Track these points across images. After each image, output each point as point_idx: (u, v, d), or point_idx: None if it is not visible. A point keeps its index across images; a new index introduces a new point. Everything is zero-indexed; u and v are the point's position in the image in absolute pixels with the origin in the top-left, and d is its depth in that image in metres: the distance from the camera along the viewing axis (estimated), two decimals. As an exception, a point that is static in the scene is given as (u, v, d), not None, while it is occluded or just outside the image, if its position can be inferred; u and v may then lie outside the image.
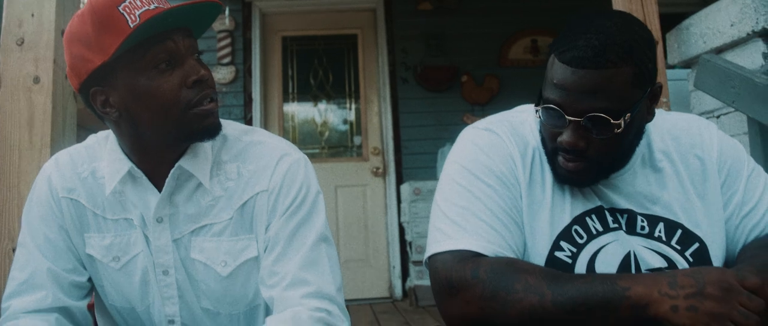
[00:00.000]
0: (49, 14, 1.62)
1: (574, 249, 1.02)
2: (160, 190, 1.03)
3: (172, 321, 1.09)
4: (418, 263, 3.97)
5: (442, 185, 1.10)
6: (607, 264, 1.01)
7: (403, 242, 4.36)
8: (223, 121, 1.08)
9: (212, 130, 1.01)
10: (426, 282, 3.94)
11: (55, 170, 1.09)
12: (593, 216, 1.04)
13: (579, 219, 1.04)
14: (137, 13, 0.92)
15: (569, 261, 1.02)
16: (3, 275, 1.52)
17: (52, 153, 1.56)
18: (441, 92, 4.65)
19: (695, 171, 1.08)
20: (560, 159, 1.01)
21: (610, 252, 1.02)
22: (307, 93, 4.70)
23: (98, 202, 1.07)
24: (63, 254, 1.07)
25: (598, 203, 1.06)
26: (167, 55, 0.95)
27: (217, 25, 4.43)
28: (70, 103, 1.69)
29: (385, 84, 4.60)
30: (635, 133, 1.01)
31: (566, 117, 0.95)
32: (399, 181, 4.45)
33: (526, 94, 4.48)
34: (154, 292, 1.07)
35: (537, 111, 1.01)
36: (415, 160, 4.51)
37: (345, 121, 4.78)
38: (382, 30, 4.64)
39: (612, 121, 0.93)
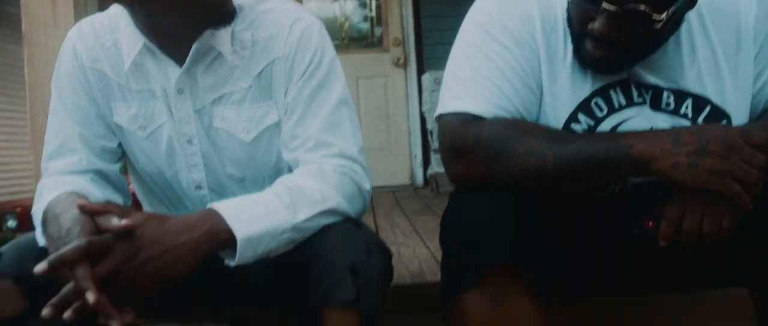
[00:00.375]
0: None
1: (592, 122, 0.98)
2: (177, 62, 1.04)
3: (199, 187, 1.12)
4: (439, 151, 4.03)
5: (456, 44, 1.06)
6: None
7: (424, 131, 4.41)
8: None
9: (227, 17, 1.01)
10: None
11: (79, 39, 1.09)
12: (617, 89, 0.99)
13: (601, 91, 0.99)
14: None
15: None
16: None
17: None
18: (463, -21, 4.52)
19: (729, 40, 1.00)
20: (588, 44, 0.94)
21: (630, 127, 0.97)
22: (327, -17, 4.62)
23: (122, 73, 1.07)
24: (93, 121, 1.09)
25: (624, 75, 0.99)
26: None
27: None
28: (90, -18, 1.70)
29: (405, -28, 4.49)
30: (676, 25, 0.95)
31: (602, 4, 0.86)
32: (420, 71, 4.44)
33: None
34: (181, 160, 1.10)
35: None
36: (436, 49, 4.46)
37: (365, 13, 4.71)
38: None
39: (654, 15, 0.85)
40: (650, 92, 0.99)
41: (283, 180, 0.97)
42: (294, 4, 1.12)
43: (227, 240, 0.85)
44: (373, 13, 4.67)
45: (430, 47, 4.47)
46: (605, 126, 0.98)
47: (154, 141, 1.09)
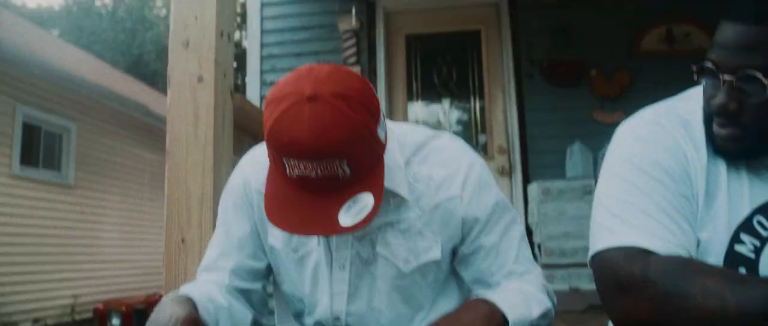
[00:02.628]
0: (211, 17, 1.71)
1: (758, 243, 0.93)
2: None
3: (337, 318, 1.12)
4: (547, 266, 3.85)
5: (603, 180, 1.04)
6: None
7: (531, 245, 4.24)
8: (409, 126, 1.15)
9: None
10: (555, 286, 3.81)
11: (250, 165, 1.17)
12: None
13: (763, 209, 0.95)
14: (296, 173, 0.90)
15: (752, 256, 0.93)
16: (173, 264, 1.63)
17: (215, 147, 1.65)
18: (568, 87, 4.48)
19: None
20: (714, 126, 0.95)
21: None
22: (430, 91, 4.71)
23: None
24: (247, 241, 1.16)
25: None
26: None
27: (342, 26, 4.54)
28: (228, 102, 1.78)
29: (510, 80, 4.51)
30: None
31: (720, 76, 0.90)
32: (526, 181, 4.34)
33: (661, 87, 4.22)
34: (323, 288, 1.11)
35: (695, 74, 0.96)
36: (542, 158, 4.37)
37: (469, 119, 4.73)
38: (505, 25, 4.54)
39: (765, 80, 0.86)
40: None
41: (507, 286, 1.09)
42: (462, 142, 1.16)
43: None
44: (477, 120, 4.68)
45: (536, 156, 4.39)
46: None
47: (302, 265, 1.12)
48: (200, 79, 1.68)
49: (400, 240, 1.07)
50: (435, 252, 1.08)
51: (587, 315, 3.46)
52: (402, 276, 1.09)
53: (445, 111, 4.74)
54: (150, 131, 9.61)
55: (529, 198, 4.15)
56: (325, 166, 0.87)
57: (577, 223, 3.77)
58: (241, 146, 2.18)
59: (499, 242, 1.11)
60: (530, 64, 4.53)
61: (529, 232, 4.22)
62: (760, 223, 0.94)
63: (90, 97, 8.11)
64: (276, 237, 1.14)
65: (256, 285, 1.18)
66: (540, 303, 1.07)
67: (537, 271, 1.15)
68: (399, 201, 1.07)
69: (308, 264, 1.12)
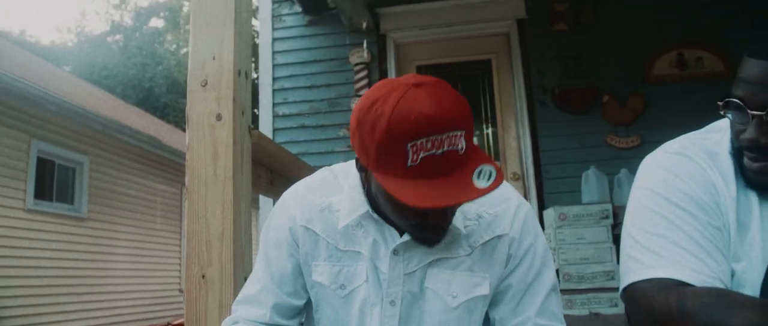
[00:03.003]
0: (228, 56, 1.72)
1: None
2: (397, 229, 1.09)
3: None
4: (566, 292, 3.80)
5: (631, 213, 1.03)
6: None
7: (547, 270, 4.20)
8: None
9: (430, 244, 1.08)
10: (575, 312, 3.76)
11: (295, 200, 1.18)
12: None
13: None
14: (421, 155, 0.90)
15: None
16: (195, 300, 1.62)
17: (234, 184, 1.65)
18: (581, 114, 4.48)
19: None
20: (745, 159, 0.94)
21: None
22: (442, 120, 4.71)
23: (332, 233, 1.14)
24: (288, 279, 1.17)
25: None
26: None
27: (354, 59, 4.58)
28: (247, 139, 1.78)
29: (523, 108, 4.51)
30: None
31: (748, 111, 0.90)
32: (541, 207, 4.31)
33: (675, 111, 4.26)
34: (372, 323, 1.11)
35: (721, 109, 0.95)
36: (558, 184, 4.35)
37: (483, 148, 4.73)
38: (516, 53, 4.56)
39: None
40: None
41: None
42: (510, 186, 1.19)
43: None
44: (491, 147, 4.68)
45: (551, 182, 4.37)
46: None
47: (350, 302, 1.13)
48: (219, 118, 1.69)
49: (448, 275, 1.09)
50: (483, 289, 1.09)
51: (608, 344, 3.41)
52: (449, 311, 1.09)
53: (458, 139, 4.74)
54: (161, 163, 9.68)
55: (546, 225, 4.11)
56: (449, 140, 0.90)
57: (595, 248, 3.73)
58: (258, 180, 2.18)
59: (528, 285, 1.11)
60: (542, 92, 4.53)
61: (546, 260, 4.19)
62: None
63: (102, 131, 8.20)
64: (321, 274, 1.14)
65: (293, 322, 1.19)
66: None
67: None
68: (450, 238, 1.09)
69: (355, 301, 1.12)
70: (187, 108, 1.73)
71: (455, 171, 0.92)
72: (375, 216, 1.09)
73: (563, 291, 3.82)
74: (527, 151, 4.43)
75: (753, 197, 0.97)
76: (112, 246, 8.51)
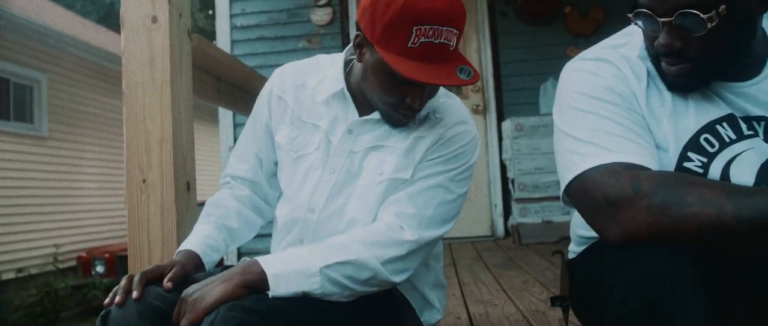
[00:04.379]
0: (162, -46, 1.65)
1: (705, 159, 0.95)
2: (359, 109, 1.24)
3: (311, 210, 1.25)
4: (520, 200, 3.91)
5: (561, 116, 1.05)
6: (744, 173, 0.93)
7: (504, 180, 4.30)
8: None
9: (398, 125, 1.22)
10: (528, 219, 3.88)
11: (278, 75, 1.37)
12: (724, 124, 0.97)
13: (708, 128, 0.97)
14: (422, 40, 1.05)
15: (700, 171, 0.95)
16: (136, 204, 1.63)
17: (172, 88, 1.63)
18: (542, 25, 4.46)
19: None
20: (663, 64, 0.97)
21: (745, 160, 0.93)
22: (403, 32, 4.65)
23: (299, 106, 1.30)
24: (264, 139, 1.36)
25: (729, 111, 0.98)
26: (406, 81, 1.09)
27: (313, -33, 4.44)
28: (185, 42, 1.74)
29: (484, 19, 4.47)
30: (743, 28, 0.93)
31: (658, 19, 0.92)
32: (500, 118, 4.36)
33: (635, 23, 4.24)
34: (309, 184, 1.26)
35: (632, 19, 0.97)
36: (517, 96, 4.39)
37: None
38: (479, -38, 4.47)
39: (702, 15, 0.88)
40: (762, 124, 0.97)
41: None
42: (466, 108, 1.32)
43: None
44: (451, 60, 4.66)
45: (510, 93, 4.40)
46: (719, 161, 0.95)
47: (298, 163, 1.28)
48: (154, 20, 1.63)
49: (383, 157, 1.22)
50: (406, 173, 1.20)
51: (560, 245, 3.55)
52: (373, 186, 1.21)
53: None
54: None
55: (503, 135, 4.17)
56: (447, 34, 1.06)
57: (549, 159, 3.82)
58: (204, 87, 2.15)
59: (422, 180, 1.20)
60: (504, 3, 4.48)
61: (503, 168, 4.27)
62: (706, 140, 0.96)
63: (56, 46, 7.92)
64: (282, 136, 1.31)
65: (272, 187, 1.38)
66: (344, 252, 1.09)
67: (408, 217, 1.16)
68: (397, 130, 1.22)
69: (303, 164, 1.27)
70: (122, 10, 1.67)
71: (444, 62, 1.08)
72: (347, 94, 1.24)
73: (518, 200, 3.93)
74: (487, 63, 4.43)
75: (666, 93, 1.00)
76: (76, 165, 8.40)
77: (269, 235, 1.39)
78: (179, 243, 1.59)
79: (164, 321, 1.02)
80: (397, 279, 1.14)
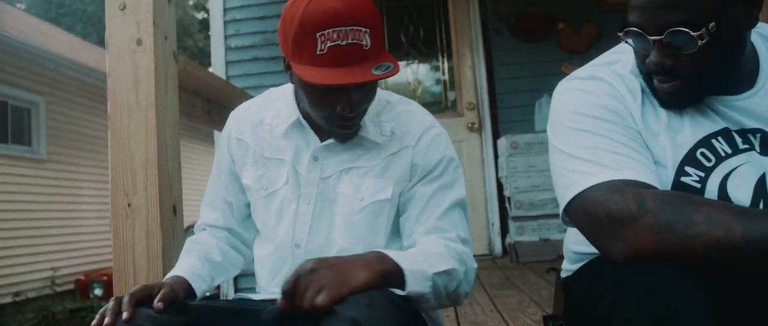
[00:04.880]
0: (147, -23, 1.66)
1: (702, 174, 0.95)
2: (319, 135, 1.23)
3: (297, 245, 1.23)
4: (517, 219, 3.88)
5: (557, 136, 1.04)
6: (741, 187, 0.93)
7: (501, 198, 4.28)
8: (384, 91, 1.29)
9: (343, 139, 1.21)
10: (526, 238, 3.85)
11: (234, 117, 1.35)
12: (719, 138, 0.97)
13: (704, 142, 0.97)
14: (328, 45, 1.04)
15: (697, 185, 0.95)
16: (121, 228, 1.61)
17: (157, 111, 1.62)
18: (536, 42, 4.46)
19: None
20: (655, 82, 0.97)
21: (742, 174, 0.94)
22: (398, 50, 4.66)
23: (260, 144, 1.28)
24: (230, 184, 1.34)
25: (724, 125, 0.98)
26: (325, 89, 1.09)
27: (306, -12, 4.46)
28: (171, 64, 1.74)
29: (478, 37, 4.48)
30: (732, 44, 0.94)
31: (648, 37, 0.92)
32: (495, 136, 4.35)
33: (629, 39, 4.25)
34: (287, 220, 1.24)
35: (622, 38, 0.97)
36: (512, 113, 4.38)
37: (438, 77, 4.71)
38: (472, -19, 4.49)
39: (692, 33, 0.88)
40: (758, 136, 0.97)
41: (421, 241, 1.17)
42: (430, 114, 1.30)
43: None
44: (446, 77, 4.66)
45: (505, 111, 4.39)
46: (716, 176, 0.95)
47: (270, 200, 1.26)
48: (139, 43, 1.64)
49: (358, 181, 1.20)
50: (386, 193, 1.19)
51: (558, 263, 3.51)
52: (355, 213, 1.19)
53: (414, 69, 4.71)
54: (122, 102, 9.42)
55: (499, 153, 4.16)
56: (354, 34, 1.05)
57: (545, 176, 3.79)
58: (192, 109, 2.15)
59: (432, 195, 1.19)
60: (498, 20, 4.49)
61: (500, 186, 4.26)
62: (703, 155, 0.96)
63: (55, 69, 7.94)
64: (248, 177, 1.28)
65: (247, 229, 1.36)
66: (444, 261, 1.09)
67: (463, 234, 1.19)
68: (364, 150, 1.21)
69: (275, 201, 1.25)
70: (107, 34, 1.67)
71: (361, 63, 1.07)
72: (304, 122, 1.23)
73: (514, 219, 3.91)
74: (482, 81, 4.43)
75: (661, 108, 1.00)
76: (75, 188, 8.39)
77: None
78: (165, 267, 1.58)
79: None
80: (470, 291, 1.16)
